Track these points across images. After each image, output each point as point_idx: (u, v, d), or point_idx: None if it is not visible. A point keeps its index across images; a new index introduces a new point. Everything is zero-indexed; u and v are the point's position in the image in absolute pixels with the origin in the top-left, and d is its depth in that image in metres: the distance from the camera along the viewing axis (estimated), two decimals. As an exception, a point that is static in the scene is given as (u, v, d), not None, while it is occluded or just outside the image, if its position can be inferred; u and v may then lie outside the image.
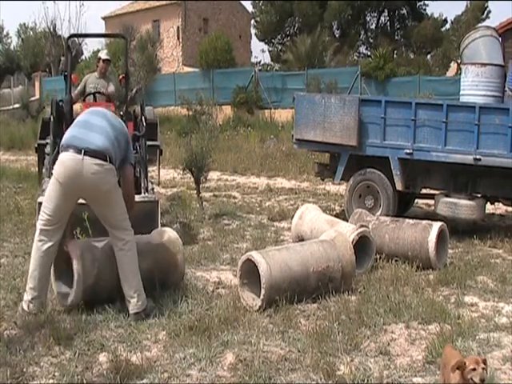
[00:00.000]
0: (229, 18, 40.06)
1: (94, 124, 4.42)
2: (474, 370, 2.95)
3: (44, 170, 6.79)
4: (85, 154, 4.18)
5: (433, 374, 3.63)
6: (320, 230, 6.14)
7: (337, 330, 4.19)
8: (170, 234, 5.13)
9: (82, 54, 37.11)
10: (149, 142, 6.90)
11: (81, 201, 4.44)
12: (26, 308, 4.24)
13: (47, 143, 6.74)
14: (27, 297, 4.27)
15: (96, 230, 4.90)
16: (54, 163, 4.51)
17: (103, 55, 7.74)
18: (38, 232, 4.29)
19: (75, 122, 4.54)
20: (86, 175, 4.17)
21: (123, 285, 4.40)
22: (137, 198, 5.59)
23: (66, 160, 4.23)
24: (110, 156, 4.29)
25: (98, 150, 4.24)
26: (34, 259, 4.28)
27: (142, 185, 6.20)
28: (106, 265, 4.54)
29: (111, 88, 7.45)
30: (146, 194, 5.98)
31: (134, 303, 4.35)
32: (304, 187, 11.76)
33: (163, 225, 6.28)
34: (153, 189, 6.52)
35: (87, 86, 7.49)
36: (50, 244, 4.26)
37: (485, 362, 3.02)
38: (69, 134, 4.38)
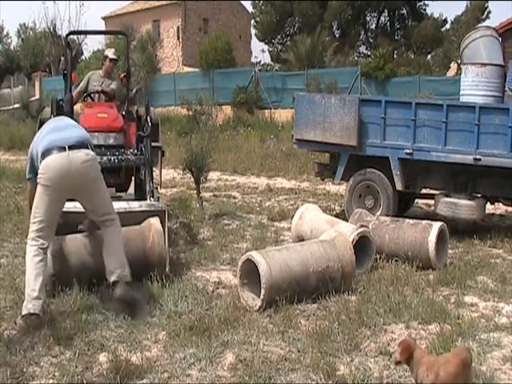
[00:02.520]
0: (229, 18, 40.07)
1: (64, 124, 4.66)
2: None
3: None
4: (69, 149, 4.27)
5: (433, 374, 3.63)
6: (320, 230, 6.14)
7: (337, 330, 4.19)
8: (150, 219, 5.24)
9: (82, 53, 37.21)
10: None
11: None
12: (31, 310, 4.12)
13: None
14: (29, 298, 4.16)
15: None
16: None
17: (111, 54, 7.49)
18: (30, 239, 4.28)
19: (44, 131, 4.58)
20: (76, 167, 4.26)
21: (108, 259, 4.46)
22: (144, 206, 5.54)
23: (51, 162, 4.26)
24: (90, 145, 4.49)
25: (80, 141, 4.40)
26: (29, 263, 4.25)
27: (148, 188, 5.98)
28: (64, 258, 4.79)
29: (114, 86, 7.34)
30: (152, 200, 5.77)
31: (118, 273, 4.41)
32: (304, 187, 11.75)
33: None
34: (157, 188, 6.41)
35: (90, 83, 7.28)
36: (41, 247, 4.29)
37: (403, 345, 3.21)
38: (45, 142, 4.40)
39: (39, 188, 4.29)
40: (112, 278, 4.41)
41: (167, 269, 5.33)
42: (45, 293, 4.29)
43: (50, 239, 4.41)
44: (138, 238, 5.10)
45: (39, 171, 4.30)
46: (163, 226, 5.37)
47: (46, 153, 4.30)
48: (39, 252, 4.26)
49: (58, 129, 4.55)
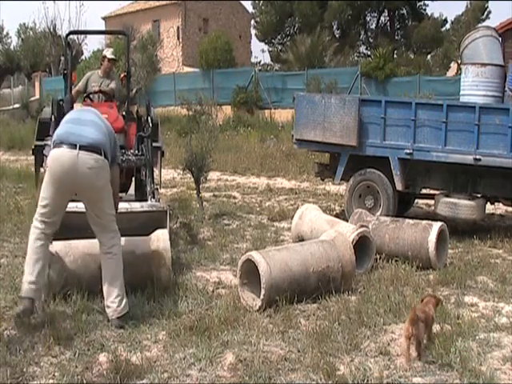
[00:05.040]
0: (229, 18, 40.06)
1: (86, 119, 4.41)
2: None
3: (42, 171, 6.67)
4: (80, 149, 4.12)
5: (433, 374, 3.64)
6: (320, 230, 6.14)
7: (337, 330, 4.20)
8: (159, 243, 4.92)
9: (82, 53, 37.18)
10: None
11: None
12: (24, 293, 4.17)
13: (45, 144, 6.55)
14: (24, 280, 4.21)
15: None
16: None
17: (109, 54, 7.51)
18: (34, 221, 4.27)
19: (66, 118, 4.46)
20: (82, 170, 4.12)
21: (105, 288, 4.30)
22: (145, 206, 5.50)
23: (60, 156, 4.15)
24: (104, 150, 4.26)
25: (93, 144, 4.20)
26: (30, 246, 4.26)
27: (148, 188, 5.97)
28: (75, 274, 4.64)
29: (113, 86, 7.32)
30: (153, 200, 5.73)
31: (114, 308, 4.25)
32: (304, 187, 11.76)
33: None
34: (157, 189, 6.37)
35: (89, 84, 7.30)
36: (44, 232, 4.24)
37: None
38: (61, 130, 4.30)
39: (46, 175, 4.23)
40: (109, 313, 4.27)
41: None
42: (44, 278, 4.29)
43: (55, 227, 4.32)
44: (145, 271, 4.90)
45: (48, 159, 4.23)
46: (165, 226, 5.35)
47: (58, 142, 4.20)
48: (42, 237, 4.23)
49: (78, 121, 4.37)
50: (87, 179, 4.16)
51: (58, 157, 4.17)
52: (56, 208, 4.25)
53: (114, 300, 4.26)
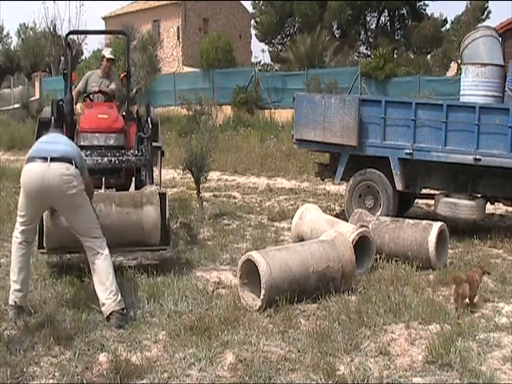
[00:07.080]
0: (229, 18, 40.07)
1: (58, 139, 4.76)
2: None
3: None
4: (51, 161, 4.31)
5: (433, 374, 3.64)
6: (320, 230, 6.14)
7: (337, 330, 4.20)
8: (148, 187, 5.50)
9: (82, 53, 37.16)
10: None
11: None
12: (11, 301, 4.36)
13: None
14: (11, 289, 4.42)
15: None
16: None
17: (107, 54, 7.52)
18: (15, 231, 4.53)
19: (39, 140, 4.75)
20: (53, 179, 4.26)
21: (98, 287, 4.41)
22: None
23: (31, 169, 4.34)
24: (75, 162, 4.45)
25: (64, 156, 4.41)
26: (13, 254, 4.49)
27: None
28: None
29: (113, 86, 7.34)
30: None
31: (109, 303, 4.32)
32: (304, 187, 11.75)
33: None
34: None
35: (89, 84, 7.30)
36: (25, 240, 4.48)
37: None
38: (33, 148, 4.54)
39: (21, 189, 4.44)
40: (105, 311, 4.34)
41: (170, 246, 5.59)
42: (28, 285, 4.52)
43: (34, 233, 4.67)
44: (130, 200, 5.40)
45: (22, 173, 4.42)
46: (164, 210, 5.49)
47: (29, 159, 4.41)
48: (23, 246, 4.47)
49: (48, 141, 4.67)
50: (59, 187, 4.29)
51: (28, 170, 4.36)
52: (31, 218, 4.50)
53: (108, 297, 4.35)
